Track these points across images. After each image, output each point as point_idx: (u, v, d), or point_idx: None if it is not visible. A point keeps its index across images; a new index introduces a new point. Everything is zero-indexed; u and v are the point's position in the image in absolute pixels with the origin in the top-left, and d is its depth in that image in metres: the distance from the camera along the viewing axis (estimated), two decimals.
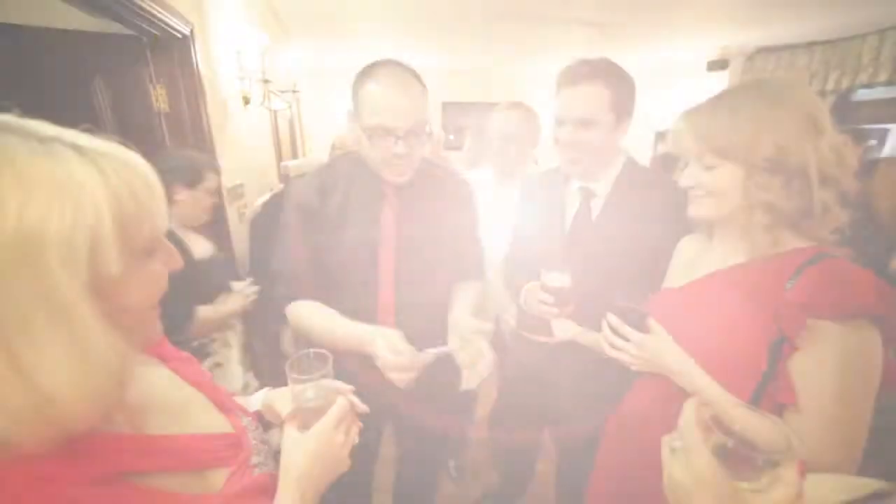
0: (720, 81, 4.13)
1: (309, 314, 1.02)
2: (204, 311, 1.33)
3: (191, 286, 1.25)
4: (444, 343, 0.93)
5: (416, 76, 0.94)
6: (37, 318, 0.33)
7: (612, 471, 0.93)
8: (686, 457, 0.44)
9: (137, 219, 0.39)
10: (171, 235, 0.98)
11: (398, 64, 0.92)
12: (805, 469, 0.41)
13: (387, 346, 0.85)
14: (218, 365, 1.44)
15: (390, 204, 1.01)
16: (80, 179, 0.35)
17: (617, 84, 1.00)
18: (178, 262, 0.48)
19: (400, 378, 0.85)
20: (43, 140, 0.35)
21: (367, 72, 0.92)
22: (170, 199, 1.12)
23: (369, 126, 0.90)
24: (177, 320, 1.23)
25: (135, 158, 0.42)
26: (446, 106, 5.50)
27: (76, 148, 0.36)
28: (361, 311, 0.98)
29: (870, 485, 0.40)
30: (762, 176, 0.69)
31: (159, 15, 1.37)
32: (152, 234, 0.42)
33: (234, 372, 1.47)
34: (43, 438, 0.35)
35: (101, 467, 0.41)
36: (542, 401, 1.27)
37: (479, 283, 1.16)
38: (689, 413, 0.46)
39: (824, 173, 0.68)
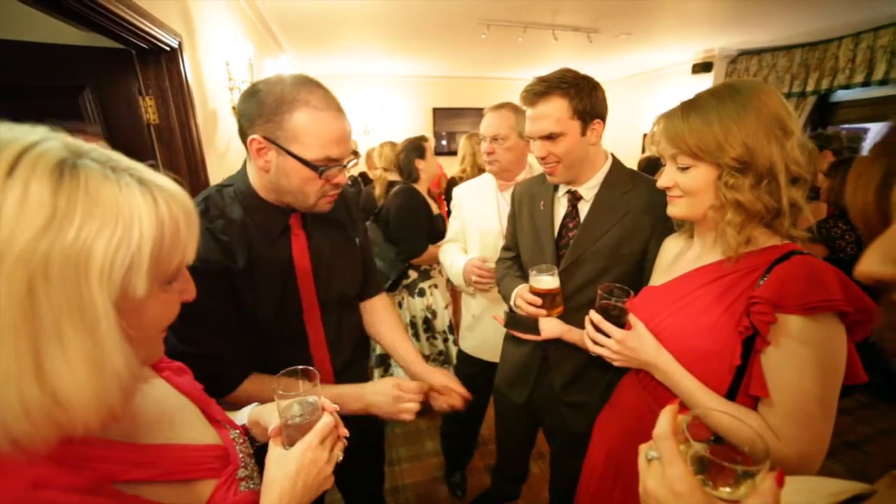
0: (705, 84, 4.23)
1: None
2: (432, 247, 2.00)
3: (429, 231, 2.03)
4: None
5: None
6: (67, 325, 0.35)
7: (600, 467, 0.95)
8: (661, 467, 0.43)
9: (172, 249, 0.42)
10: (419, 195, 2.02)
11: None
12: (783, 479, 0.39)
13: None
14: (434, 286, 2.14)
15: (296, 234, 0.95)
16: (136, 207, 0.38)
17: (575, 92, 1.02)
18: (191, 294, 0.50)
19: None
20: (116, 169, 0.39)
21: None
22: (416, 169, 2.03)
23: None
24: (417, 248, 2.00)
25: (182, 192, 0.45)
26: (437, 112, 5.54)
27: (140, 180, 0.40)
28: (297, 354, 0.94)
29: (850, 488, 0.40)
30: (732, 176, 0.72)
31: (147, 29, 1.38)
32: (180, 265, 0.45)
33: (442, 294, 2.18)
34: (45, 440, 0.36)
35: (92, 476, 0.42)
36: (535, 400, 1.28)
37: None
38: (664, 422, 0.44)
39: (793, 174, 0.71)
